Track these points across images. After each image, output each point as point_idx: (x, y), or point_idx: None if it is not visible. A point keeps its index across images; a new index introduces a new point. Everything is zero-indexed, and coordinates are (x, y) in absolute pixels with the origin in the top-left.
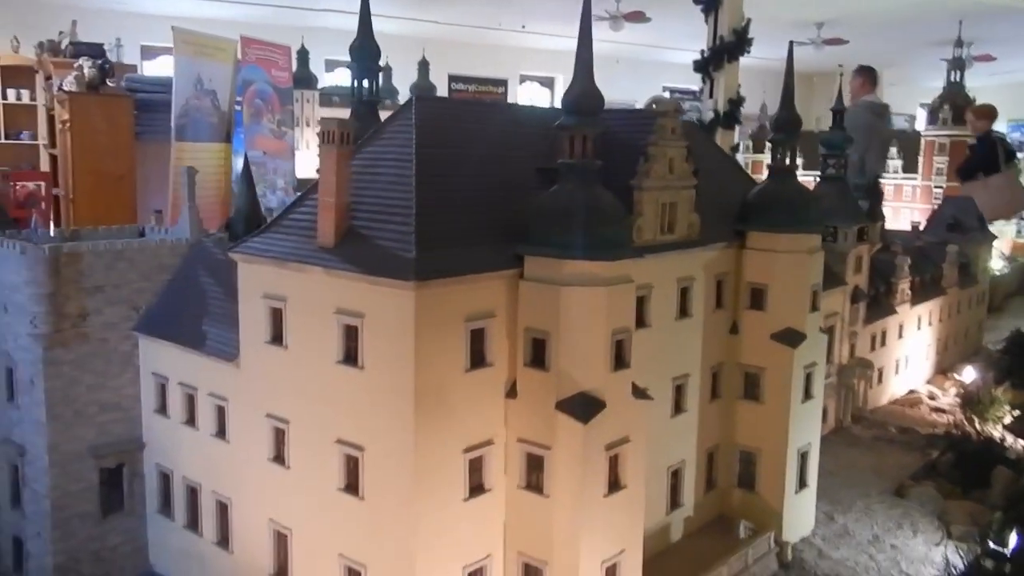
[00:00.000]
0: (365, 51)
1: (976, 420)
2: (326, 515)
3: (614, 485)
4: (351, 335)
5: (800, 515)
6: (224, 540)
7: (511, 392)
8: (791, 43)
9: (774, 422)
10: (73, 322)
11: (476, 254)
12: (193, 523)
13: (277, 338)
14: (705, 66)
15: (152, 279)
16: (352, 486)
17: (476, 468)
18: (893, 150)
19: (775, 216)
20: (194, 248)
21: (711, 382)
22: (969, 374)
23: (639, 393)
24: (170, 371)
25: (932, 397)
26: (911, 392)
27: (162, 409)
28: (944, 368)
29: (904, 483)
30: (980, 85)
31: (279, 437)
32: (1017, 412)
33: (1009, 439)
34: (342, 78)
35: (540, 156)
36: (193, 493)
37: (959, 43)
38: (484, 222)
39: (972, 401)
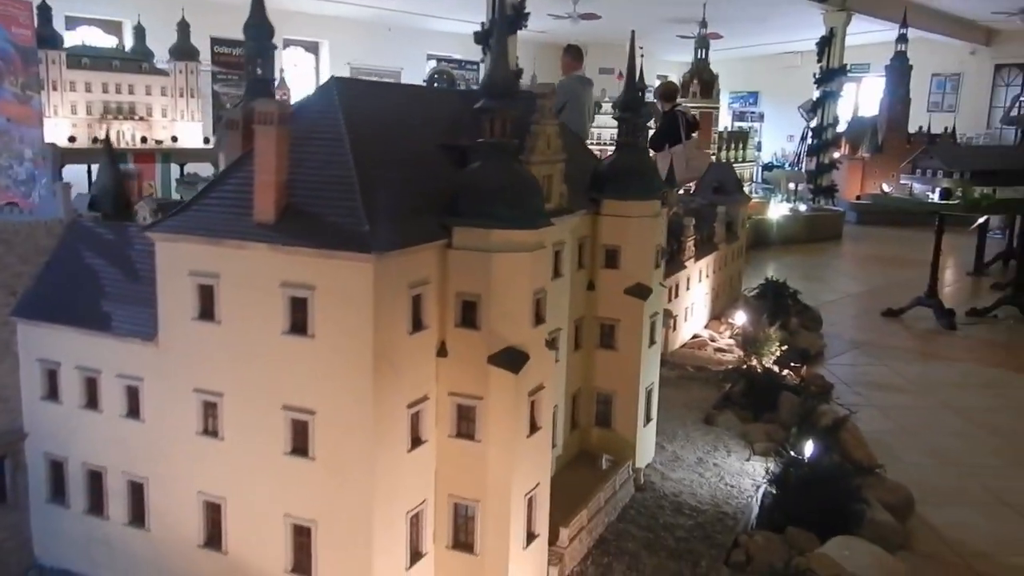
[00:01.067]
0: (262, 29)
1: (754, 356)
2: (268, 480)
3: (533, 427)
4: (299, 307)
5: (646, 446)
6: (138, 519)
7: (441, 351)
8: (632, 32)
9: (627, 366)
10: None
11: (415, 226)
12: (97, 507)
13: (207, 314)
14: (485, 38)
15: (31, 262)
16: (300, 449)
17: (416, 422)
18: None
19: (626, 185)
20: (71, 228)
21: (574, 334)
22: (740, 317)
23: (549, 345)
24: (62, 356)
25: (712, 340)
26: (695, 336)
27: (51, 395)
28: (717, 314)
29: (709, 413)
30: (713, 59)
31: (210, 411)
32: (785, 347)
33: (783, 371)
34: (89, 37)
35: (443, 134)
36: (96, 477)
37: (703, 23)
38: (410, 196)
39: (750, 340)
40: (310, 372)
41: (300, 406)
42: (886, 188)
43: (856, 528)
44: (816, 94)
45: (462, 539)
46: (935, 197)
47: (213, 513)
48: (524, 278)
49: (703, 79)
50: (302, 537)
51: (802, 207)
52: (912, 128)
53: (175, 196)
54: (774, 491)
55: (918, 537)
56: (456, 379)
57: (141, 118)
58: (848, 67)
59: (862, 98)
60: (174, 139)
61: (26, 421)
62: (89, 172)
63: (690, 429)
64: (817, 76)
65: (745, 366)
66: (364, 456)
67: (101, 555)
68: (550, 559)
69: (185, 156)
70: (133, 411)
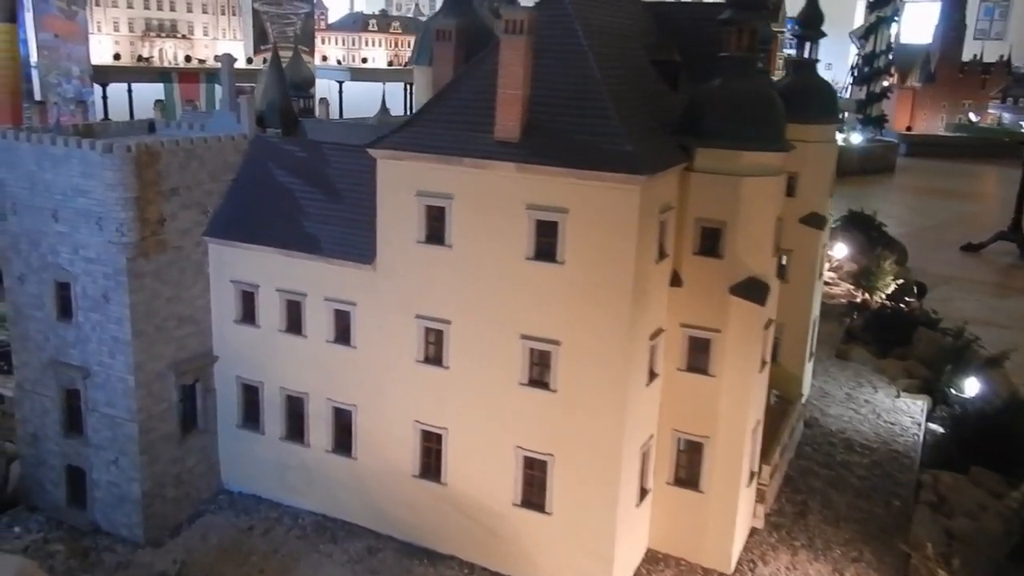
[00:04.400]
0: None
1: (868, 290)
2: (499, 411)
3: (763, 362)
4: (547, 231)
5: (807, 382)
6: (343, 447)
7: (675, 281)
8: None
9: (798, 298)
10: (153, 229)
11: (662, 148)
12: (295, 434)
13: (436, 237)
14: None
15: (219, 179)
16: (539, 381)
17: (652, 355)
18: None
19: (804, 108)
20: (255, 144)
21: None
22: (839, 250)
23: (779, 277)
24: (260, 278)
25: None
26: None
27: (247, 319)
28: None
29: (839, 347)
30: None
31: (433, 338)
32: (901, 281)
33: (904, 305)
34: None
35: (651, 48)
36: (296, 403)
37: None
38: (645, 115)
39: (863, 274)
40: (556, 301)
41: (542, 336)
42: (973, 118)
43: None
44: (869, 18)
45: (684, 476)
46: None
47: (431, 443)
48: (770, 204)
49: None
50: (534, 471)
51: (855, 138)
52: (965, 56)
53: None
54: (943, 429)
55: None
56: (691, 310)
57: (183, 36)
58: None
59: (909, 25)
60: (217, 59)
61: (216, 344)
62: (130, 90)
63: (827, 364)
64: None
65: (860, 299)
66: (614, 388)
67: (297, 482)
68: (755, 496)
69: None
70: (342, 337)
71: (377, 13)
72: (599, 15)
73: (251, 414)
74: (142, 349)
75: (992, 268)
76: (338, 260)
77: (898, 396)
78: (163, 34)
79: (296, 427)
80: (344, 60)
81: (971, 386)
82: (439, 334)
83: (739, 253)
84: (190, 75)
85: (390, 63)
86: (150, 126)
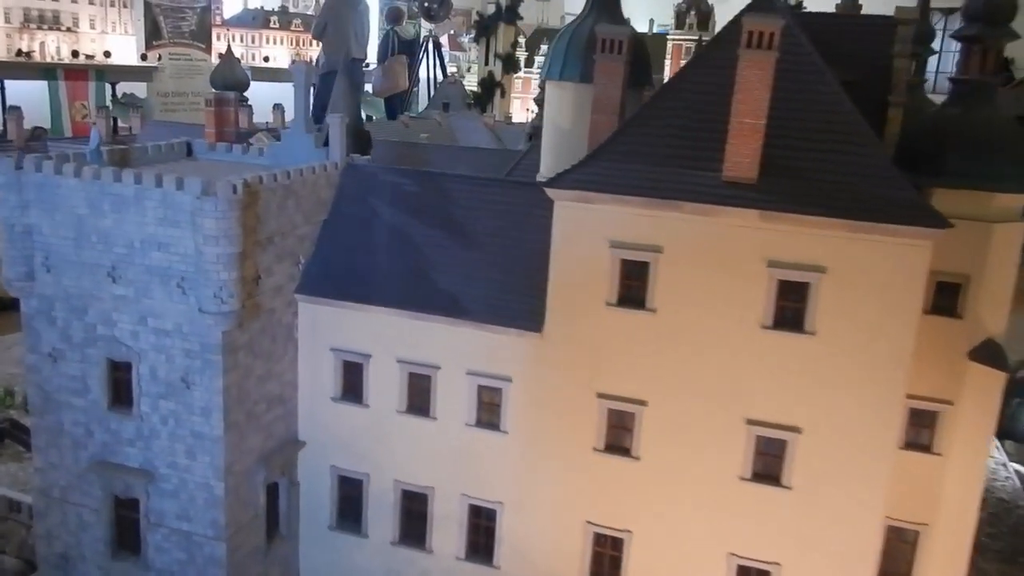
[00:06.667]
0: None
1: None
2: (706, 510)
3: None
4: (794, 294)
5: None
6: (482, 553)
7: None
8: None
9: None
10: (249, 290)
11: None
12: (415, 537)
13: (633, 299)
14: None
15: (312, 221)
16: (766, 474)
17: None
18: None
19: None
20: (349, 175)
21: None
22: None
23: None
24: (372, 345)
25: None
26: None
27: (351, 396)
28: None
29: None
30: None
31: (619, 422)
32: None
33: None
34: None
35: (840, 68)
36: (417, 500)
37: None
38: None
39: None
40: (799, 379)
41: (776, 421)
42: None
43: None
44: None
45: (892, 570)
46: None
47: (606, 549)
48: (1015, 253)
49: (700, 10)
50: None
51: None
52: None
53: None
54: None
55: None
56: (916, 379)
57: (68, 28)
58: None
59: None
60: (107, 54)
61: (302, 427)
62: (1, 87)
63: None
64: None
65: None
66: (871, 487)
67: None
68: None
69: (120, 73)
70: (488, 419)
71: (277, 9)
72: (798, 27)
73: (350, 513)
74: (233, 445)
75: None
76: (492, 326)
77: None
78: (44, 26)
79: (415, 529)
80: (244, 59)
81: None
82: (628, 417)
83: (980, 311)
84: (78, 72)
85: (293, 62)
86: (188, 149)
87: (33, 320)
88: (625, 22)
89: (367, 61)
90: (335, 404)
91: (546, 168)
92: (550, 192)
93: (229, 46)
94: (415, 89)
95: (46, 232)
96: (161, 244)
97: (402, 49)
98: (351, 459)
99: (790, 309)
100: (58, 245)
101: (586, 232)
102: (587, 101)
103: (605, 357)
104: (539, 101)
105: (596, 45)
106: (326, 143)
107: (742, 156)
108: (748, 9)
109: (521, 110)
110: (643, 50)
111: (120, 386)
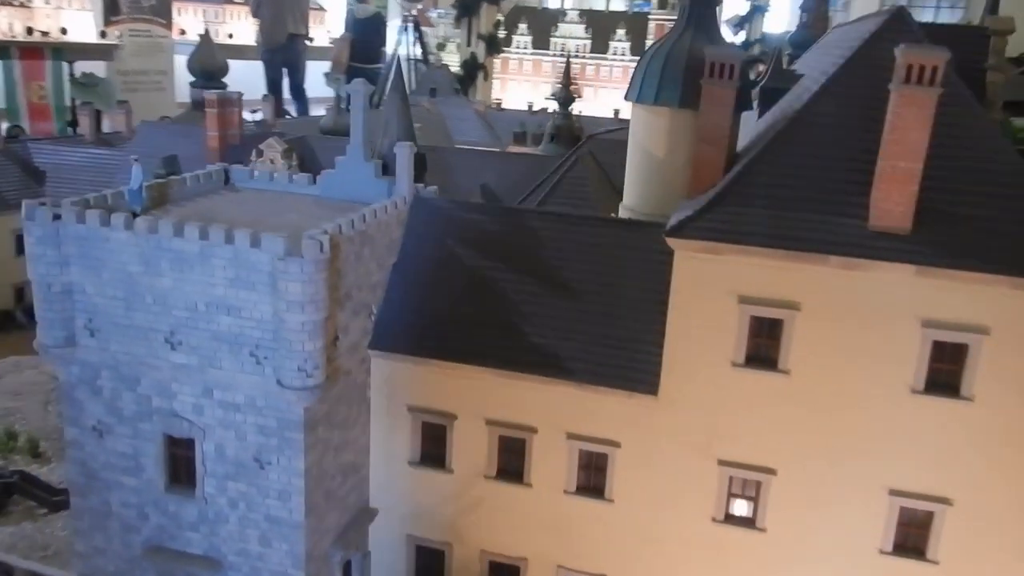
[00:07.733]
0: None
1: None
2: None
3: None
4: (950, 356)
5: None
6: None
7: None
8: None
9: None
10: (329, 354)
11: None
12: None
13: (764, 360)
14: None
15: (384, 267)
16: (910, 548)
17: None
18: (621, 32)
19: None
20: (418, 211)
21: None
22: None
23: None
24: (456, 404)
25: None
26: None
27: (431, 460)
28: None
29: None
30: None
31: (742, 491)
32: None
33: None
34: None
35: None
36: (506, 573)
37: None
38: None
39: None
40: (952, 447)
41: (923, 492)
42: None
43: None
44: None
45: None
46: None
47: None
48: None
49: None
50: None
51: None
52: None
53: (67, 101)
54: None
55: None
56: None
57: (21, 4)
58: None
59: None
60: (63, 31)
61: (374, 494)
62: None
63: None
64: None
65: None
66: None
67: None
68: None
69: (79, 52)
70: (593, 487)
71: None
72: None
73: None
74: (312, 529)
75: None
76: (597, 386)
77: None
78: None
79: None
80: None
81: None
82: (753, 486)
83: None
84: (33, 50)
85: (258, 40)
86: (225, 176)
87: (74, 390)
88: (723, 40)
89: (310, 37)
90: (412, 469)
91: (632, 200)
92: (672, 242)
93: (207, 30)
94: (379, 69)
95: (90, 292)
96: (231, 308)
97: (356, 28)
98: (430, 527)
99: (944, 372)
100: (105, 306)
101: (711, 285)
102: (686, 128)
103: (728, 421)
104: (556, 97)
105: (704, 69)
106: (384, 171)
107: (895, 204)
108: (886, 30)
109: (502, 91)
110: (746, 72)
111: (180, 465)
